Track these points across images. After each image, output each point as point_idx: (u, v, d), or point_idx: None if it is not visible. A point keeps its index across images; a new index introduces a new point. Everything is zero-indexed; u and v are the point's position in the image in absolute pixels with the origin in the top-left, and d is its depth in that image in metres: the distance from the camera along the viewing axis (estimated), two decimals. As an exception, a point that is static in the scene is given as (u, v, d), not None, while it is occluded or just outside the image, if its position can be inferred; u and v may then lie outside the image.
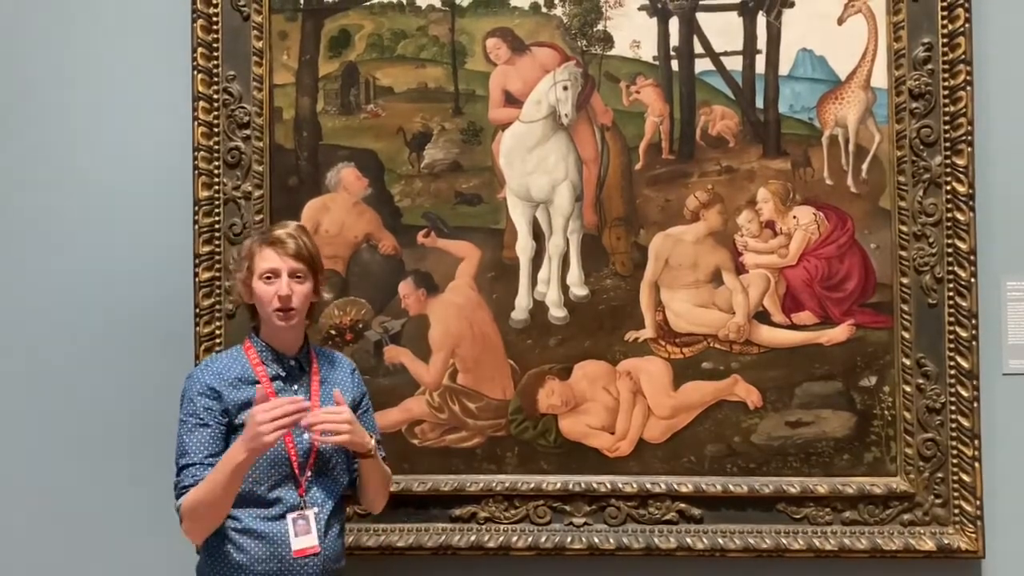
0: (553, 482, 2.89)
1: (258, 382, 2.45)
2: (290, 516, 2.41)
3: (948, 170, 2.81)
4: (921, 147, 2.82)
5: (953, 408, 2.81)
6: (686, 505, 2.87)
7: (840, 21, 2.87)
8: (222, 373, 2.47)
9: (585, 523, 2.89)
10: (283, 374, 2.49)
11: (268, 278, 2.46)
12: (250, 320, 2.58)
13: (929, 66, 2.82)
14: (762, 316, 2.89)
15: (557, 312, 2.92)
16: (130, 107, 3.01)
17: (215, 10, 2.93)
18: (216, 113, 2.94)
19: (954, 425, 2.81)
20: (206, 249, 2.93)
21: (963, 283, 2.80)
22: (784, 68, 2.88)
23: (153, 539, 2.96)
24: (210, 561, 2.44)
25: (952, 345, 2.81)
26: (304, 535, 2.40)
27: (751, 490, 2.85)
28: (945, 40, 2.81)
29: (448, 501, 2.90)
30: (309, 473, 2.45)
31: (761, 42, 2.89)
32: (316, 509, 2.44)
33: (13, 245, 3.04)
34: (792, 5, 2.88)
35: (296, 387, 2.49)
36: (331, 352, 2.68)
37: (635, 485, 2.87)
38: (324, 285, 2.65)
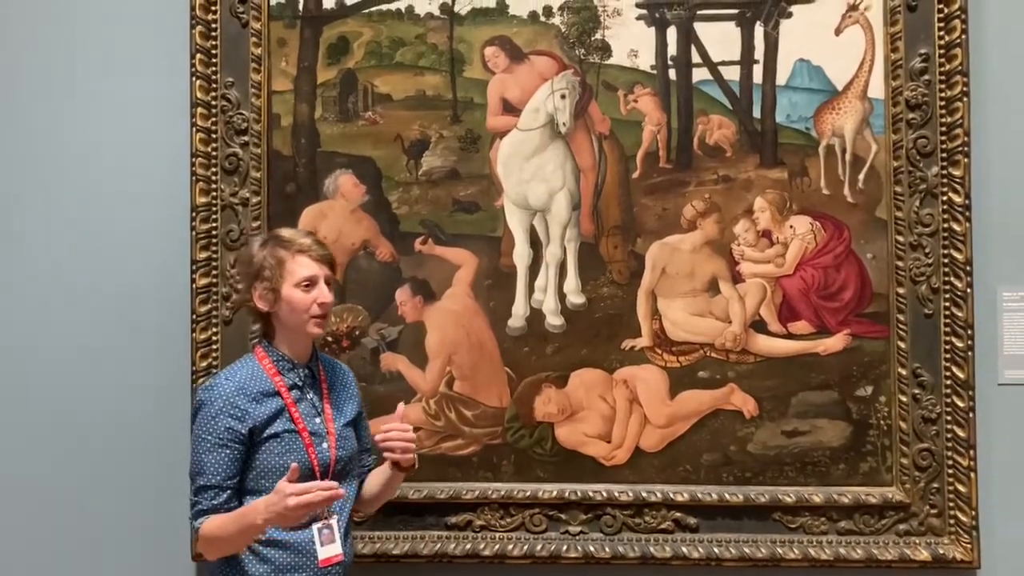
0: (549, 490, 2.89)
1: (278, 393, 2.43)
2: (315, 526, 2.41)
3: (944, 181, 2.82)
4: (918, 158, 2.83)
5: (949, 418, 2.81)
6: (682, 514, 2.87)
7: (837, 31, 2.88)
8: (245, 388, 2.42)
9: (581, 531, 2.89)
10: (300, 383, 2.48)
11: (307, 286, 2.44)
12: (261, 328, 2.53)
13: (926, 77, 2.83)
14: (759, 325, 2.89)
15: (554, 320, 2.92)
16: (128, 113, 3.01)
17: (214, 17, 2.93)
18: (214, 119, 2.94)
19: (950, 435, 2.81)
20: (203, 255, 2.93)
21: (959, 293, 2.81)
22: (781, 78, 2.89)
23: (150, 546, 2.95)
24: (226, 569, 2.42)
25: (948, 355, 2.81)
26: (329, 544, 2.41)
27: (747, 499, 2.85)
28: (942, 51, 2.82)
29: (444, 509, 2.90)
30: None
31: (759, 52, 2.90)
32: (337, 516, 2.44)
33: (10, 251, 3.04)
34: (790, 15, 2.89)
35: (311, 395, 2.49)
36: (332, 359, 2.68)
37: (631, 494, 2.87)
38: None
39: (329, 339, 2.92)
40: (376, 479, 2.61)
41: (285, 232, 2.54)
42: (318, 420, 2.47)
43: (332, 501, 2.30)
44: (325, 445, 2.45)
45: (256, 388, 2.43)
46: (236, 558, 2.41)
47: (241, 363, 2.52)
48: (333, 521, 2.42)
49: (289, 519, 2.26)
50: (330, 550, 2.41)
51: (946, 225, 2.82)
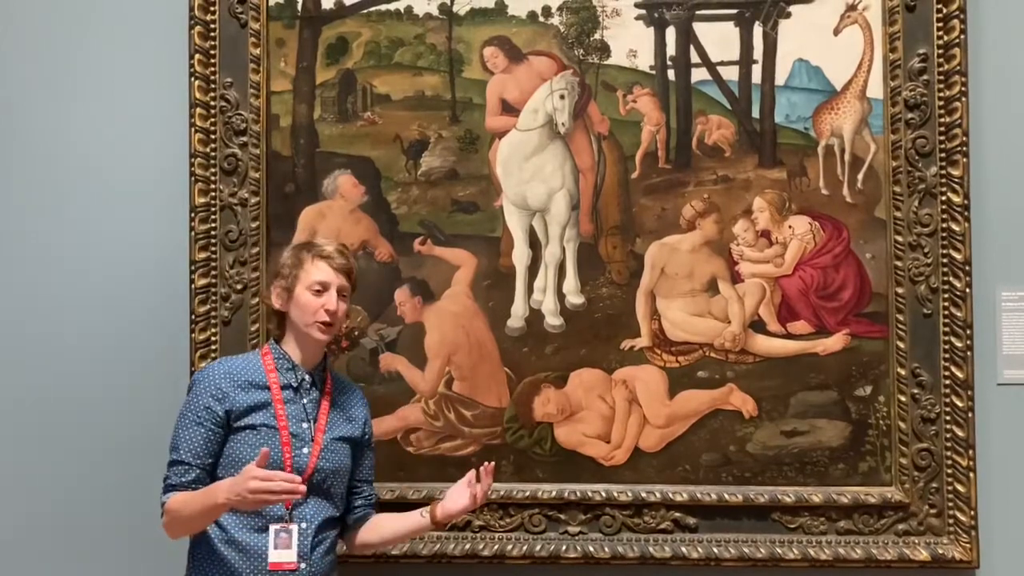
0: (548, 490, 2.89)
1: (268, 388, 2.46)
2: (272, 527, 2.40)
3: (943, 180, 2.82)
4: (916, 157, 2.83)
5: (948, 418, 2.81)
6: (681, 514, 2.87)
7: (836, 32, 2.88)
8: (233, 374, 2.47)
9: (580, 532, 2.89)
10: (294, 385, 2.49)
11: (317, 290, 2.47)
12: (276, 327, 2.59)
13: (925, 77, 2.83)
14: (758, 325, 2.89)
15: (553, 320, 2.92)
16: (127, 113, 3.01)
17: (212, 17, 2.93)
18: (213, 120, 2.94)
19: (949, 435, 2.81)
20: (202, 256, 2.93)
21: (958, 293, 2.81)
22: (780, 78, 2.89)
23: (149, 547, 2.95)
24: (196, 572, 2.45)
25: (947, 355, 2.81)
26: (283, 548, 2.38)
27: (746, 499, 2.85)
28: (941, 51, 2.82)
29: (443, 509, 2.90)
30: None
31: (757, 52, 2.90)
32: (304, 525, 2.42)
33: (9, 250, 3.04)
34: (788, 16, 2.89)
35: (306, 400, 2.50)
36: (347, 380, 2.69)
37: (630, 494, 2.87)
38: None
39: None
40: (401, 524, 2.60)
41: (318, 239, 2.65)
42: (305, 425, 2.47)
43: (291, 495, 2.27)
44: (306, 451, 2.44)
45: (245, 377, 2.47)
46: (203, 563, 2.42)
47: (244, 355, 2.59)
48: (293, 527, 2.40)
49: (248, 503, 2.26)
50: (282, 555, 2.38)
51: (945, 225, 2.82)
